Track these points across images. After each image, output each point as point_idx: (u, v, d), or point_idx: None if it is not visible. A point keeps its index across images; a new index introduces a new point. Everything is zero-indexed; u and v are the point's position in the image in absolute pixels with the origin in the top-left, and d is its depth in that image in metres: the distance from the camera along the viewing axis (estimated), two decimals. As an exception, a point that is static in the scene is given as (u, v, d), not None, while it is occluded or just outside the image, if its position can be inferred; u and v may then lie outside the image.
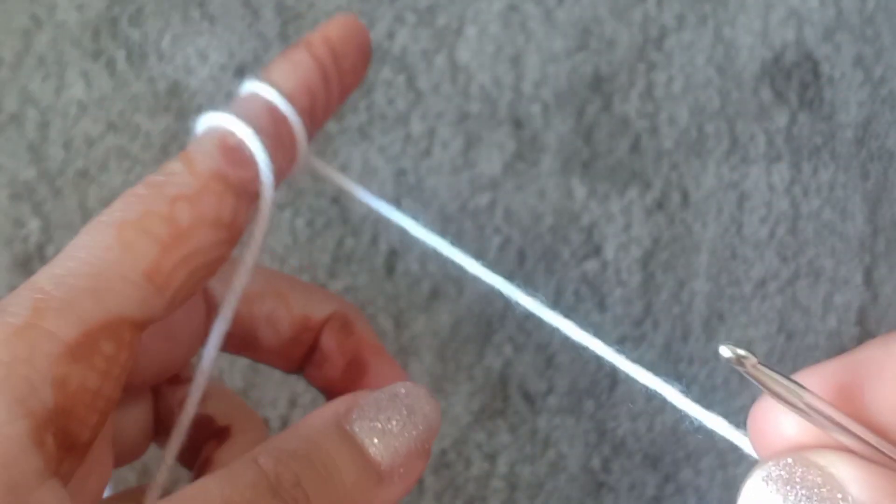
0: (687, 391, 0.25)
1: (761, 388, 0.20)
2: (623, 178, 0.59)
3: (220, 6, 0.60)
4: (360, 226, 0.58)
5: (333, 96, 0.28)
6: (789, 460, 0.21)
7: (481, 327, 0.57)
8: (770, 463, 0.21)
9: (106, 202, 0.60)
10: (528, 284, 0.58)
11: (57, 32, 0.60)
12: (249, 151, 0.26)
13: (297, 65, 0.27)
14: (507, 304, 0.59)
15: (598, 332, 0.57)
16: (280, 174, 0.27)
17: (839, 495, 0.20)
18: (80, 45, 0.59)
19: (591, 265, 0.57)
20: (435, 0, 0.60)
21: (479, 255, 0.59)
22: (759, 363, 0.20)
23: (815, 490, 0.20)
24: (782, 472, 0.21)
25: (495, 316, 0.57)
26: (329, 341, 0.32)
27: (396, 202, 0.58)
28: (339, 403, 0.27)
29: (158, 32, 0.60)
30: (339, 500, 0.25)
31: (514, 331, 0.57)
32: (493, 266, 0.58)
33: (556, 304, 0.57)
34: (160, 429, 0.30)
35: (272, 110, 0.26)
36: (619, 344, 0.57)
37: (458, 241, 0.60)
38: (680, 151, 0.59)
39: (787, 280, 0.59)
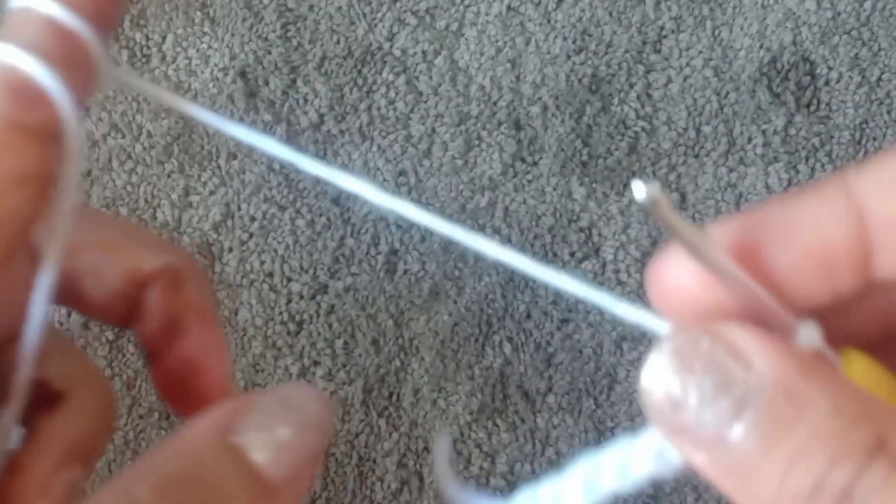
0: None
1: (669, 232, 0.20)
2: (622, 178, 0.59)
3: (221, 8, 0.60)
4: (361, 226, 0.58)
5: None
6: (695, 331, 0.20)
7: (481, 327, 0.57)
8: (676, 335, 0.21)
9: (109, 203, 0.61)
10: (527, 284, 0.58)
11: None
12: (41, 86, 0.21)
13: None
14: (507, 304, 0.59)
15: (597, 332, 0.57)
16: (81, 100, 0.23)
17: (743, 368, 0.20)
18: None
19: (591, 265, 0.58)
20: (435, 2, 0.61)
21: (479, 256, 0.60)
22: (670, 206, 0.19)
23: (718, 363, 0.20)
24: (685, 344, 0.20)
25: (495, 316, 0.57)
26: (153, 296, 0.28)
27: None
28: (222, 411, 0.24)
29: (161, 34, 0.60)
30: None
31: (514, 330, 0.57)
32: (494, 266, 0.59)
33: (555, 303, 0.58)
34: (3, 390, 0.27)
35: (54, 26, 0.22)
36: (619, 343, 0.58)
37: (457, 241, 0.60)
38: (678, 152, 0.59)
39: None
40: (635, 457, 0.22)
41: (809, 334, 0.21)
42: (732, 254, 0.20)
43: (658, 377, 0.20)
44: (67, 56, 0.22)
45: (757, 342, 0.20)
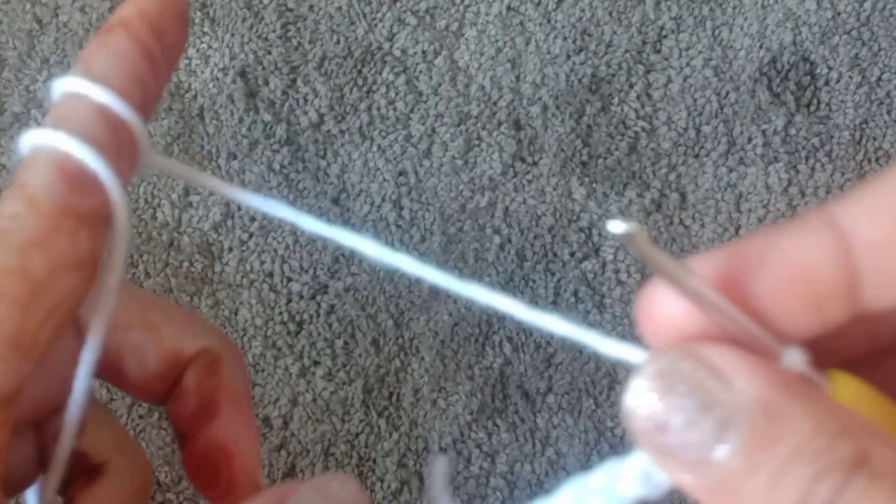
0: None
1: (650, 266, 0.20)
2: (622, 178, 0.59)
3: (221, 8, 0.60)
4: (361, 226, 0.58)
5: (161, 79, 0.24)
6: (676, 353, 0.20)
7: (481, 327, 0.57)
8: (657, 357, 0.21)
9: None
10: (527, 284, 0.58)
11: (60, 34, 0.60)
12: (94, 173, 0.22)
13: (119, 52, 0.23)
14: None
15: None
16: (125, 183, 0.24)
17: (725, 388, 0.20)
18: (83, 47, 0.60)
19: (591, 265, 0.58)
20: (435, 2, 0.61)
21: (479, 256, 0.60)
22: (648, 241, 0.19)
23: (701, 384, 0.20)
24: (667, 367, 0.20)
25: (495, 316, 0.57)
26: (190, 378, 0.29)
27: (397, 202, 0.58)
28: (267, 500, 0.24)
29: (161, 34, 0.60)
30: None
31: (514, 330, 0.57)
32: (493, 266, 0.59)
33: (555, 304, 0.58)
34: (45, 460, 0.27)
35: (105, 114, 0.22)
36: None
37: (458, 241, 0.60)
38: (678, 152, 0.59)
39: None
40: (622, 479, 0.22)
41: (794, 358, 0.21)
42: (717, 285, 0.21)
43: (641, 399, 0.20)
44: (116, 143, 0.23)
45: (738, 362, 0.20)
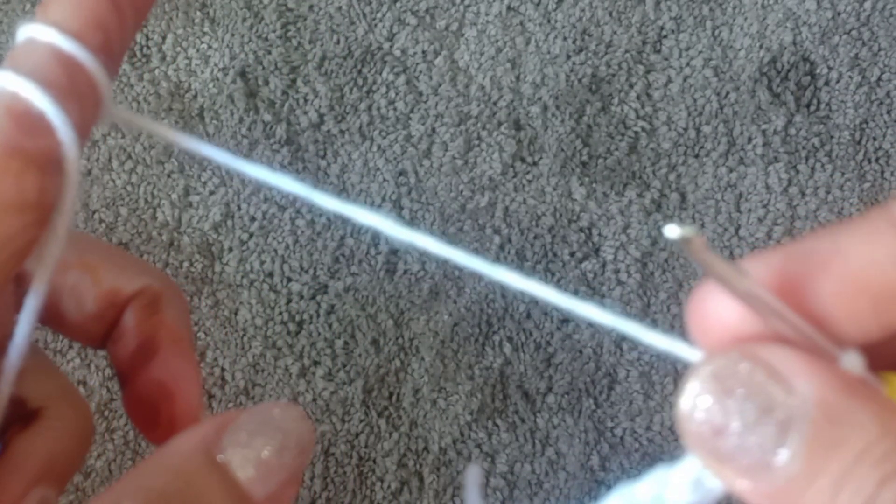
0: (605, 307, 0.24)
1: (705, 270, 0.19)
2: (622, 178, 0.59)
3: (221, 8, 0.60)
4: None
5: (128, 25, 0.24)
6: (733, 355, 0.20)
7: (481, 327, 0.57)
8: (713, 359, 0.20)
9: (109, 203, 0.61)
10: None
11: (60, 34, 0.60)
12: (44, 114, 0.21)
13: None
14: (507, 304, 0.59)
15: (597, 332, 0.57)
16: (84, 130, 0.23)
17: (784, 391, 0.19)
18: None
19: (591, 265, 0.58)
20: (435, 2, 0.61)
21: (479, 256, 0.60)
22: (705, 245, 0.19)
23: (760, 386, 0.19)
24: (725, 368, 0.20)
25: (495, 316, 0.57)
26: (129, 318, 0.28)
27: (397, 202, 0.58)
28: (208, 427, 0.24)
29: (161, 34, 0.60)
30: None
31: (514, 330, 0.57)
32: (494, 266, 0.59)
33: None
34: None
35: (61, 57, 0.22)
36: (618, 343, 0.58)
37: (458, 241, 0.60)
38: (678, 152, 0.59)
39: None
40: (673, 486, 0.21)
41: (852, 362, 0.20)
42: (773, 288, 0.20)
43: (697, 403, 0.20)
44: (71, 86, 0.22)
45: (798, 363, 0.19)
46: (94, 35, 0.22)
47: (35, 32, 0.22)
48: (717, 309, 0.21)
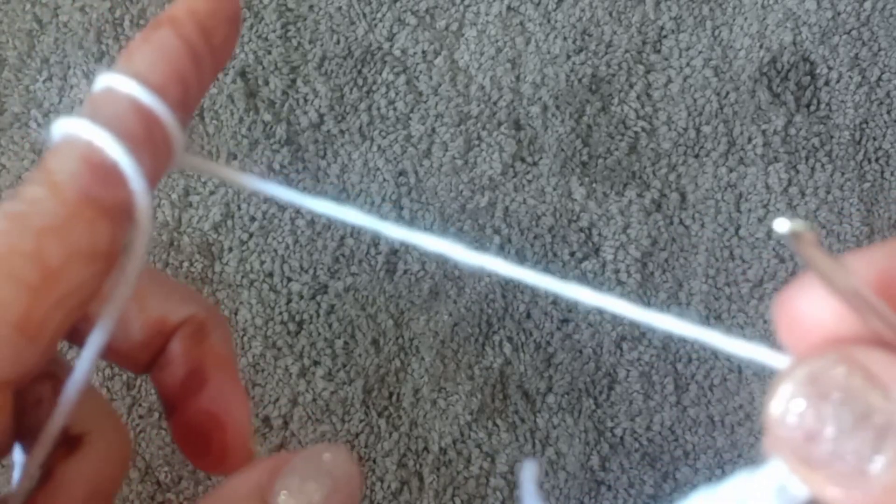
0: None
1: (809, 266, 0.19)
2: (622, 178, 0.59)
3: (221, 8, 0.60)
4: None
5: (206, 79, 0.24)
6: (829, 357, 0.19)
7: (481, 327, 0.57)
8: (808, 361, 0.19)
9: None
10: (527, 284, 0.58)
11: (60, 34, 0.60)
12: (119, 166, 0.22)
13: (163, 49, 0.23)
14: (507, 304, 0.59)
15: (597, 332, 0.57)
16: (155, 180, 0.23)
17: (882, 397, 0.18)
18: (83, 47, 0.60)
19: (590, 265, 0.58)
20: (435, 2, 0.61)
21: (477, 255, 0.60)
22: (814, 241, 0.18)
23: (857, 391, 0.19)
24: (820, 371, 0.19)
25: (495, 316, 0.57)
26: (176, 346, 0.28)
27: (397, 202, 0.58)
28: (262, 471, 0.24)
29: (160, 34, 0.60)
30: None
31: (514, 330, 0.57)
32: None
33: (555, 303, 0.58)
34: (20, 427, 0.27)
35: (140, 109, 0.22)
36: (618, 343, 0.58)
37: (458, 241, 0.60)
38: (678, 152, 0.59)
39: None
40: (756, 492, 0.21)
41: None
42: (876, 287, 0.19)
43: (789, 406, 0.19)
44: (148, 139, 0.22)
45: None
46: (174, 89, 0.23)
47: (116, 83, 0.22)
48: (811, 306, 0.20)
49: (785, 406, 0.19)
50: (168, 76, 0.23)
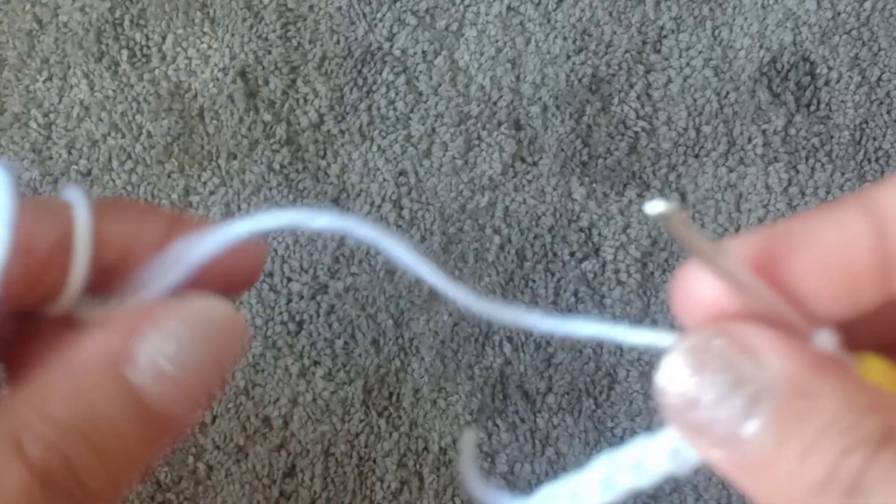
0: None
1: (685, 247, 0.20)
2: (622, 178, 0.59)
3: (221, 8, 0.60)
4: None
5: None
6: (708, 331, 0.21)
7: (481, 327, 0.57)
8: (690, 335, 0.21)
9: (109, 203, 0.61)
10: (527, 284, 0.58)
11: (60, 34, 0.60)
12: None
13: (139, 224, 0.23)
14: (507, 304, 0.59)
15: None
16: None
17: (756, 366, 0.20)
18: (83, 47, 0.60)
19: (591, 265, 0.58)
20: (435, 2, 0.61)
21: (479, 256, 0.60)
22: (684, 222, 0.20)
23: (732, 361, 0.20)
24: (700, 344, 0.21)
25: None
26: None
27: (397, 202, 0.58)
28: (115, 336, 0.22)
29: (161, 34, 0.60)
30: (117, 471, 0.21)
31: (514, 330, 0.57)
32: (493, 266, 0.59)
33: (555, 304, 0.58)
34: None
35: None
36: (619, 343, 0.58)
37: (458, 241, 0.60)
38: (678, 152, 0.59)
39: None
40: (652, 455, 0.22)
41: (825, 340, 0.21)
42: (752, 267, 0.21)
43: (673, 376, 0.21)
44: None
45: (769, 340, 0.20)
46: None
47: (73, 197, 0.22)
48: (698, 286, 0.22)
49: (670, 376, 0.21)
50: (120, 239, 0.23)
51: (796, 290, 0.21)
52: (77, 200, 0.22)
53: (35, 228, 0.22)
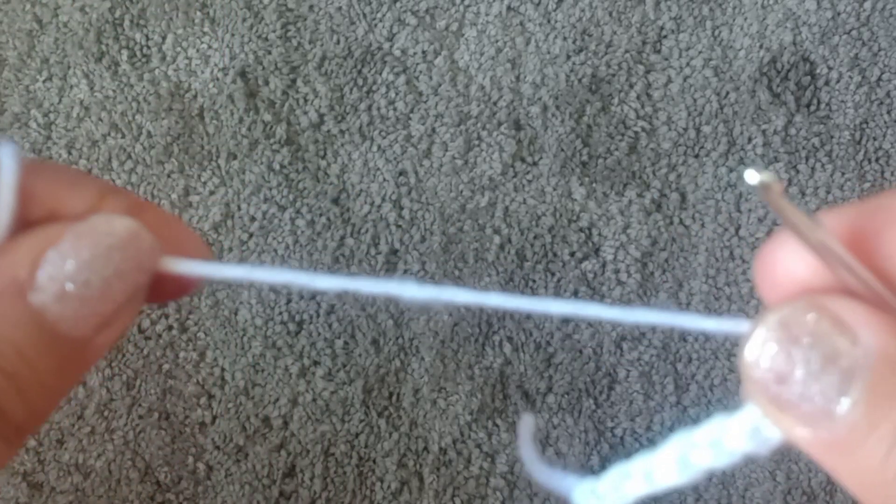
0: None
1: (781, 218, 0.20)
2: (622, 178, 0.59)
3: (221, 8, 0.60)
4: (361, 226, 0.58)
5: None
6: (800, 303, 0.20)
7: (481, 327, 0.57)
8: (781, 308, 0.20)
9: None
10: (527, 284, 0.58)
11: (60, 34, 0.60)
12: None
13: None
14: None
15: (596, 332, 0.57)
16: None
17: (849, 342, 0.19)
18: (83, 47, 0.60)
19: (590, 265, 0.58)
20: (435, 2, 0.61)
21: (479, 256, 0.60)
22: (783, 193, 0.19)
23: (825, 335, 0.19)
24: (791, 317, 0.20)
25: (495, 316, 0.57)
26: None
27: (397, 202, 0.58)
28: (21, 260, 0.21)
29: (161, 34, 0.60)
30: (34, 399, 0.21)
31: (514, 330, 0.57)
32: (493, 266, 0.59)
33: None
34: None
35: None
36: (618, 343, 0.58)
37: (458, 241, 0.60)
38: (678, 152, 0.59)
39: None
40: (731, 433, 0.21)
41: None
42: (846, 242, 0.20)
43: (762, 350, 0.20)
44: None
45: (863, 315, 0.19)
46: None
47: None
48: (786, 260, 0.21)
49: (758, 350, 0.20)
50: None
51: (888, 267, 0.20)
52: (4, 153, 0.22)
53: None
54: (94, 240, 0.21)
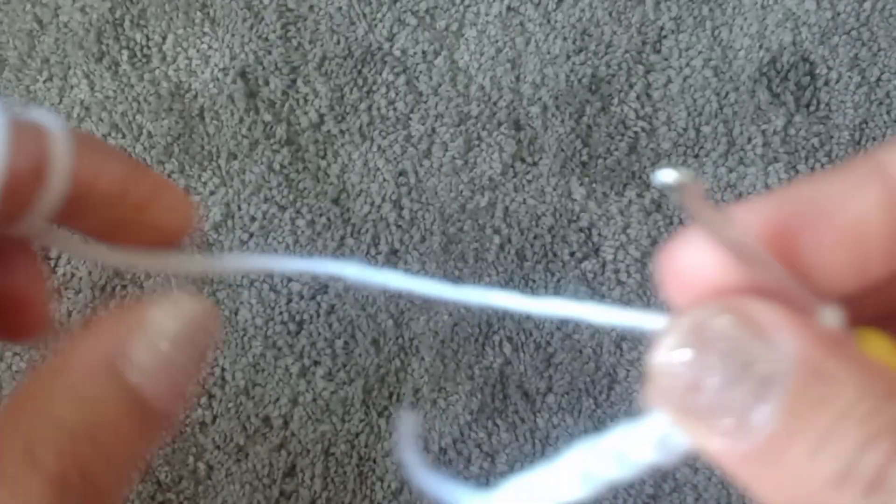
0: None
1: (693, 217, 0.18)
2: (621, 178, 0.59)
3: (221, 8, 0.60)
4: (361, 226, 0.58)
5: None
6: (713, 307, 0.18)
7: (481, 327, 0.57)
8: (692, 312, 0.19)
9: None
10: (527, 284, 0.58)
11: (61, 34, 0.60)
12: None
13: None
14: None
15: (597, 332, 0.57)
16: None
17: (766, 346, 0.18)
18: (83, 47, 0.60)
19: (590, 265, 0.58)
20: (435, 2, 0.61)
21: (479, 256, 0.60)
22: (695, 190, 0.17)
23: (741, 341, 0.18)
24: (704, 321, 0.18)
25: (495, 316, 0.57)
26: None
27: (397, 202, 0.58)
28: (107, 339, 0.22)
29: (161, 34, 0.60)
30: (122, 468, 0.22)
31: (514, 330, 0.57)
32: (493, 266, 0.59)
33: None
34: None
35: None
36: (618, 343, 0.58)
37: (458, 241, 0.60)
38: (678, 152, 0.59)
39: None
40: (636, 444, 0.20)
41: (832, 317, 0.19)
42: (759, 237, 0.19)
43: (672, 356, 0.18)
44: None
45: (780, 318, 0.18)
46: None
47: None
48: (694, 260, 0.20)
49: (668, 356, 0.18)
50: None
51: (804, 263, 0.19)
52: (56, 127, 0.23)
53: (17, 150, 0.22)
54: (181, 321, 0.23)
